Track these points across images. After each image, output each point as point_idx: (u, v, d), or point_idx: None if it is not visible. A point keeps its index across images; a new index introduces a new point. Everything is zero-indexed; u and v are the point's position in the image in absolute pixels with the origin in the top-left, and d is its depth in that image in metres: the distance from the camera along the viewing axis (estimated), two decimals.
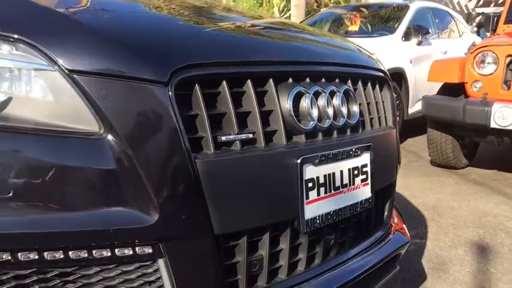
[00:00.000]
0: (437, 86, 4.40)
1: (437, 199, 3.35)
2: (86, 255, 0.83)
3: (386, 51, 5.12)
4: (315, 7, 12.89)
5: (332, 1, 12.39)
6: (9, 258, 0.79)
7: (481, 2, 20.19)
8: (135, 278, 0.88)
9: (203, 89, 0.93)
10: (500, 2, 18.55)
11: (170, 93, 0.87)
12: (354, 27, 6.23)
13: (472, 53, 3.94)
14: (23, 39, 0.84)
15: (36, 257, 0.80)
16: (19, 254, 0.79)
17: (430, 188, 3.64)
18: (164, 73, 0.87)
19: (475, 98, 3.77)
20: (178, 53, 0.92)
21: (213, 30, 1.09)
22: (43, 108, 0.84)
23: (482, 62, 3.85)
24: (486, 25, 5.60)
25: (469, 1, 20.20)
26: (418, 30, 5.76)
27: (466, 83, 3.89)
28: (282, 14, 12.57)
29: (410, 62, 5.47)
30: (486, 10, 19.94)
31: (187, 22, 1.13)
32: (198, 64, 0.93)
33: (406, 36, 5.63)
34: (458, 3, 20.06)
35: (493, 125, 3.54)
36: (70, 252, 0.82)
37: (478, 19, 20.63)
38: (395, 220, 1.56)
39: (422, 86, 5.34)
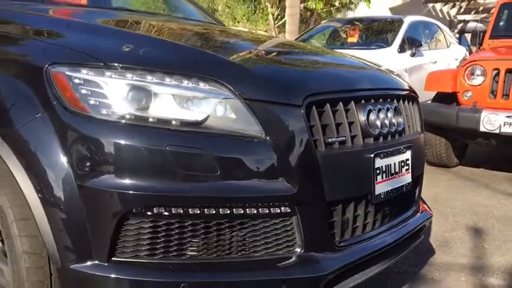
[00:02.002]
0: (429, 93, 4.99)
1: (435, 193, 3.91)
2: (255, 211, 1.35)
3: (384, 62, 5.70)
4: (308, 16, 13.46)
5: (324, 10, 12.96)
6: (214, 212, 1.31)
7: (462, 10, 20.96)
8: (279, 227, 1.40)
9: (317, 108, 1.46)
10: (480, 9, 19.41)
11: (302, 111, 1.40)
12: (353, 39, 6.82)
13: (463, 66, 4.54)
14: (215, 79, 1.35)
15: (228, 211, 1.32)
16: (221, 209, 1.31)
17: (427, 184, 4.14)
18: (299, 99, 1.40)
19: (466, 106, 4.36)
20: (305, 87, 1.45)
21: (315, 69, 1.63)
22: (228, 122, 1.35)
23: (472, 74, 4.44)
24: (473, 39, 6.20)
25: (451, 8, 20.95)
26: (412, 43, 6.37)
27: (458, 92, 4.48)
28: (276, 21, 13.08)
29: (406, 72, 6.06)
30: (467, 17, 20.81)
31: (299, 64, 1.67)
32: (314, 93, 1.46)
33: (401, 48, 6.23)
34: (441, 10, 20.82)
35: (482, 129, 4.13)
36: (247, 209, 1.34)
37: (459, 26, 21.38)
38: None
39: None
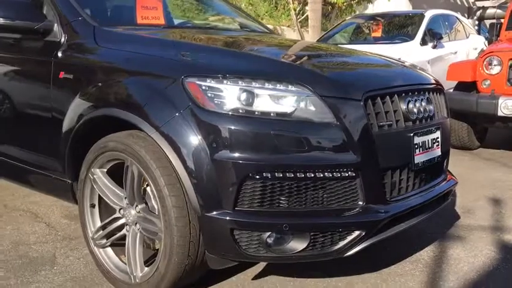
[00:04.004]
0: (450, 83, 5.47)
1: (458, 171, 4.35)
2: (331, 175, 1.91)
3: (408, 55, 6.20)
4: (329, 10, 13.89)
5: (345, 4, 13.38)
6: (303, 175, 1.87)
7: None
8: (347, 186, 1.95)
9: (371, 101, 2.01)
10: None
11: (362, 103, 1.96)
12: (377, 34, 7.30)
13: (481, 57, 5.02)
14: (299, 82, 1.91)
15: (312, 175, 1.88)
16: (307, 173, 1.87)
17: (452, 164, 4.63)
18: (359, 95, 1.96)
19: (485, 93, 4.84)
20: (363, 86, 2.01)
21: (368, 71, 2.19)
22: (310, 112, 1.91)
23: (490, 64, 4.92)
24: (491, 31, 6.65)
25: None
26: (433, 35, 6.82)
27: (477, 81, 4.96)
28: (298, 17, 13.53)
29: (428, 63, 6.52)
30: (486, 4, 20.89)
31: (355, 67, 2.24)
32: (370, 90, 2.01)
33: (423, 41, 6.69)
34: None
35: (499, 113, 4.62)
36: (325, 173, 1.90)
37: (478, 13, 21.39)
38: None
39: None
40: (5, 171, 2.86)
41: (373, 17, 7.97)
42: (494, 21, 7.04)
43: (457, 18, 8.08)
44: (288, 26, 14.00)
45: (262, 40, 2.79)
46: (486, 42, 8.40)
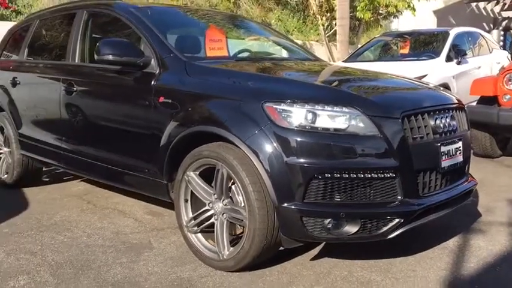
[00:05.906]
0: (473, 96, 5.97)
1: (482, 176, 4.90)
2: (376, 175, 2.49)
3: (434, 70, 6.74)
4: (356, 25, 14.46)
5: (372, 19, 13.92)
6: (355, 176, 2.47)
7: (506, 6, 21.24)
8: (389, 184, 2.53)
9: (407, 118, 2.60)
10: None
11: (400, 121, 2.55)
12: (404, 51, 7.86)
13: (502, 74, 5.53)
14: (351, 105, 2.51)
15: (362, 175, 2.48)
16: (359, 174, 2.46)
17: (476, 170, 5.07)
18: (398, 114, 2.55)
19: (505, 107, 5.35)
20: (400, 107, 2.60)
21: (403, 93, 2.80)
22: (359, 128, 2.50)
23: (510, 80, 5.42)
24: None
25: (495, 5, 21.29)
26: (458, 52, 7.34)
27: (498, 95, 5.47)
28: (326, 32, 14.12)
29: (453, 78, 7.04)
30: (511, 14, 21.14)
31: (393, 90, 2.86)
32: (406, 110, 2.60)
33: (448, 58, 7.22)
34: (485, 8, 21.22)
35: None
36: (372, 174, 2.48)
37: (504, 23, 21.60)
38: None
39: (462, 96, 6.81)
40: (105, 174, 3.54)
41: (400, 35, 8.52)
42: None
43: (480, 34, 8.56)
44: (317, 41, 14.63)
45: (315, 68, 3.42)
46: (509, 56, 8.85)
